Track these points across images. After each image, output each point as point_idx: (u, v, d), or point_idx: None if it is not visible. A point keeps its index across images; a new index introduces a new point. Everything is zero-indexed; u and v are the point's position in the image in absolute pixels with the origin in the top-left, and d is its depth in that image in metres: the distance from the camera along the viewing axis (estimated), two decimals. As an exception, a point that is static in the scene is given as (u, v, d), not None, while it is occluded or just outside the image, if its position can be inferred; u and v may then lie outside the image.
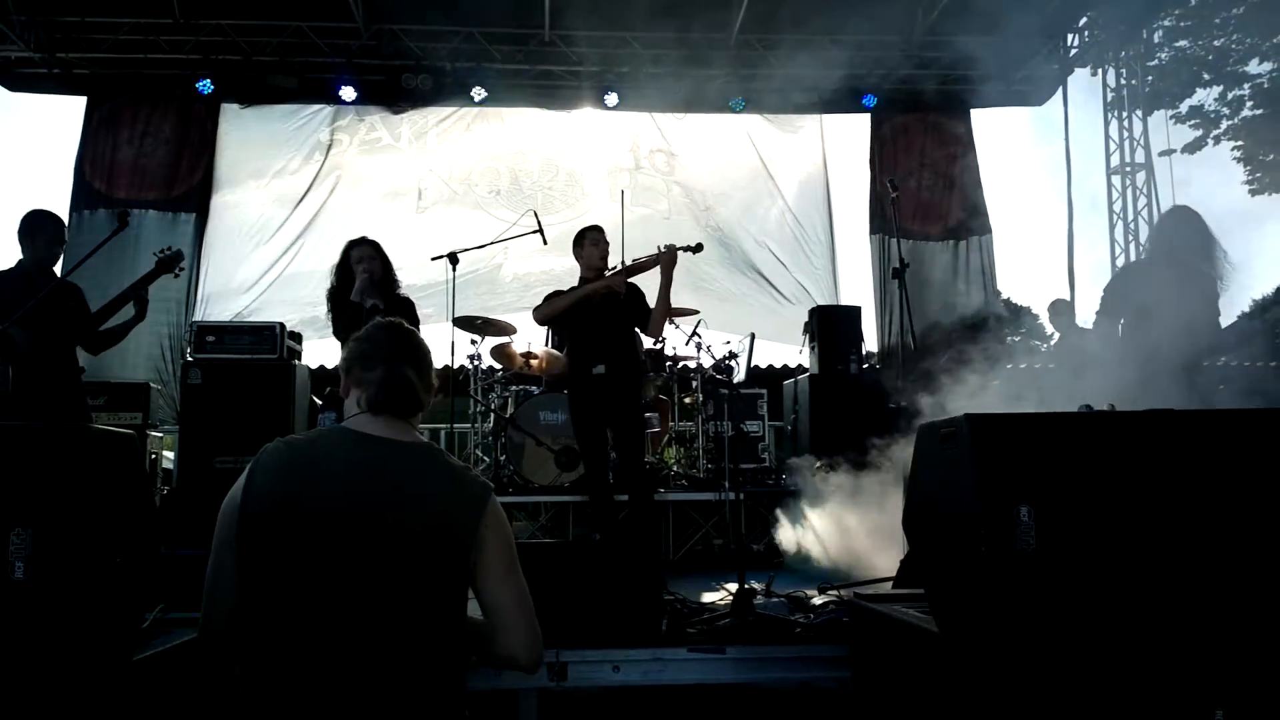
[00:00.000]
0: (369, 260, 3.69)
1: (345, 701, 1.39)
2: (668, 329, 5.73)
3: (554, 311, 3.87)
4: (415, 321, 3.73)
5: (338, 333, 3.77)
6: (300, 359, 5.74)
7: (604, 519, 3.80)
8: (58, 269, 3.71)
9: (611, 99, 7.60)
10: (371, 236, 3.89)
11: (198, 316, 7.03)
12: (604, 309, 3.81)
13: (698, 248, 3.91)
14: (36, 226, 3.57)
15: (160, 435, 5.71)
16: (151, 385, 5.89)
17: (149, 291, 3.70)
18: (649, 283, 3.91)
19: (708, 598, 3.29)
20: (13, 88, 7.51)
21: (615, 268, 3.96)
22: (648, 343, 5.46)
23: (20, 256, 3.59)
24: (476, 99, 7.56)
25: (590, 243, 3.92)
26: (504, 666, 1.61)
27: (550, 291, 3.99)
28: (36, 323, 3.39)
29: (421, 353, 1.65)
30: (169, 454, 5.76)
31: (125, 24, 7.24)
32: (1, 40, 7.13)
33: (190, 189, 7.45)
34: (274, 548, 1.42)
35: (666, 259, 3.79)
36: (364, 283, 3.59)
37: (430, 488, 1.50)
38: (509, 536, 1.57)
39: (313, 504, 1.43)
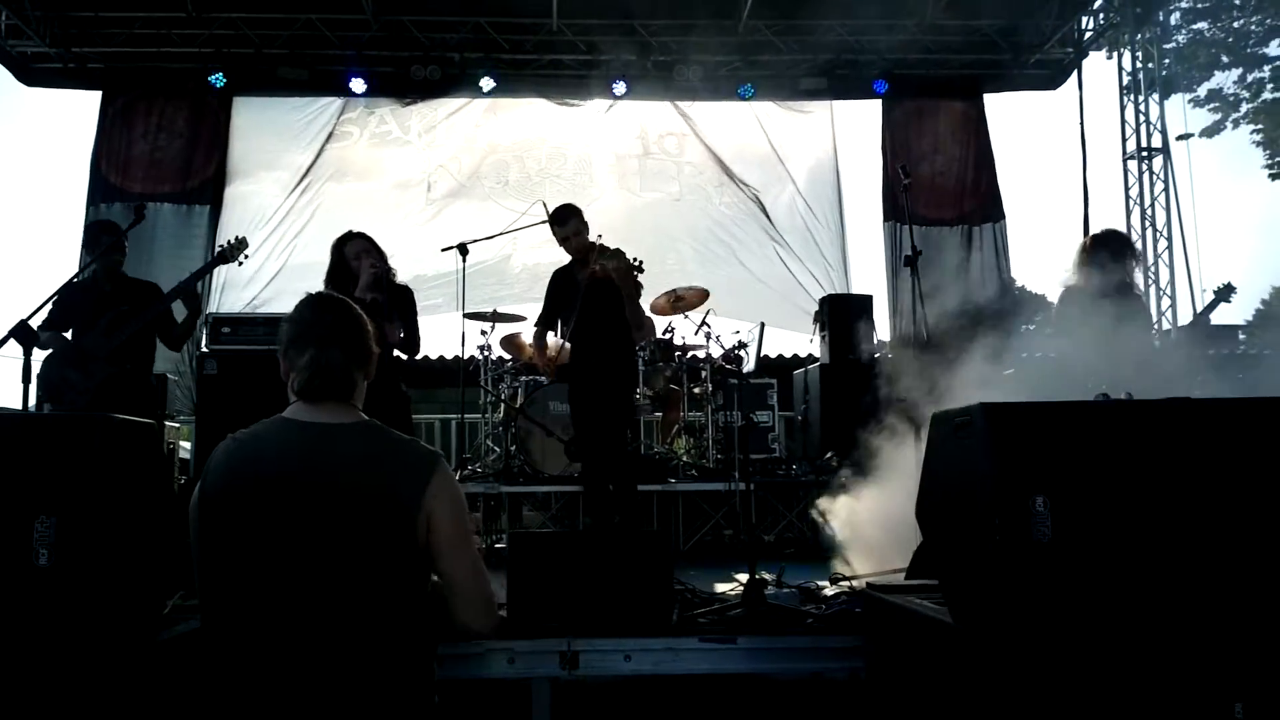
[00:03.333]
0: (367, 254, 3.62)
1: (301, 682, 1.41)
2: (678, 319, 5.72)
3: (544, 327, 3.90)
4: (413, 309, 3.72)
5: None
6: (313, 350, 5.78)
7: (598, 506, 3.80)
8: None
9: (620, 88, 7.56)
10: (374, 229, 3.85)
11: (212, 308, 7.08)
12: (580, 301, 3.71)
13: (639, 266, 3.65)
14: (93, 238, 4.05)
15: (177, 426, 5.77)
16: (168, 376, 5.96)
17: (198, 286, 4.06)
18: None
19: (718, 588, 3.29)
20: (29, 83, 7.55)
21: (597, 239, 3.76)
22: (658, 331, 5.47)
23: (94, 266, 3.87)
24: (485, 89, 7.54)
25: (560, 240, 3.78)
26: (462, 634, 1.60)
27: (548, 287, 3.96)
28: (97, 325, 3.63)
29: (351, 328, 1.59)
30: (185, 444, 5.83)
31: (139, 18, 7.27)
32: (18, 36, 7.18)
33: (205, 181, 7.48)
34: (227, 540, 1.45)
35: (600, 271, 3.59)
36: (370, 279, 3.53)
37: (369, 464, 1.50)
38: (459, 505, 1.54)
39: (257, 495, 1.46)
